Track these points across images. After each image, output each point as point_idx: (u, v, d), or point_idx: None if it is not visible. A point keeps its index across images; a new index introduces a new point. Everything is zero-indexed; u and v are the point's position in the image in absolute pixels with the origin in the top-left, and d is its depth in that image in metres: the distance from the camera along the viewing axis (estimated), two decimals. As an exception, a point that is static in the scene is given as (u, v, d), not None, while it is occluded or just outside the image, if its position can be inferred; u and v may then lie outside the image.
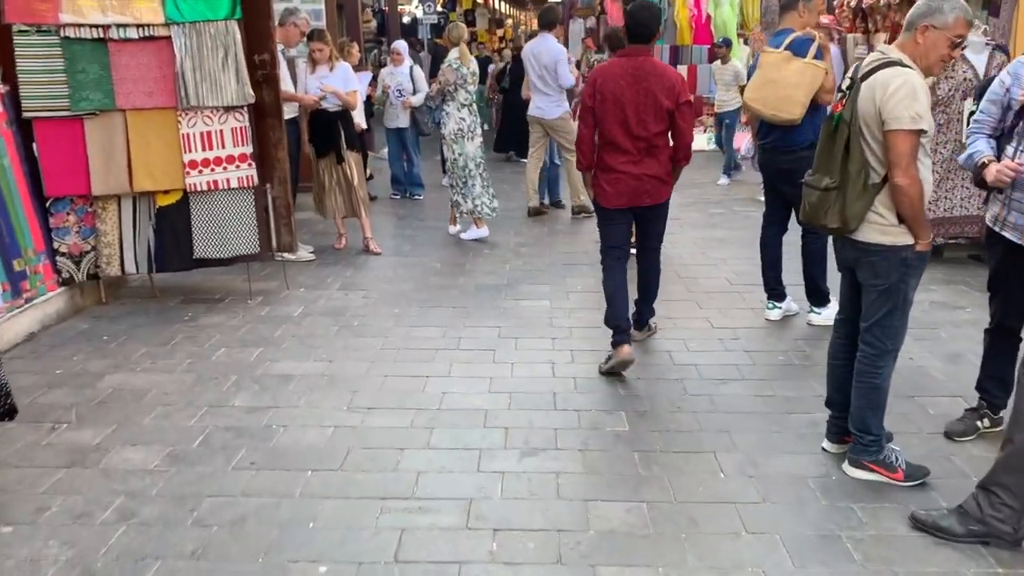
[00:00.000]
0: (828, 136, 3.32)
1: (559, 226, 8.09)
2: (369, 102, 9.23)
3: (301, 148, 6.86)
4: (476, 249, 7.16)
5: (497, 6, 34.97)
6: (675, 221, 7.88)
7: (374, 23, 19.67)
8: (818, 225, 3.37)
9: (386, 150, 10.08)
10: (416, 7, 21.83)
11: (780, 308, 5.26)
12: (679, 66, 13.56)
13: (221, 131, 5.38)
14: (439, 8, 22.23)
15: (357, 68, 8.91)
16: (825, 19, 8.44)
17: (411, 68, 9.12)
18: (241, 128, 5.42)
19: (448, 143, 7.36)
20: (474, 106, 7.38)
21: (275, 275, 6.17)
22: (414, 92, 9.03)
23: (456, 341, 4.93)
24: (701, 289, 5.92)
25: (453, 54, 7.36)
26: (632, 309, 4.73)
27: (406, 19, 21.76)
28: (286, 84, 6.55)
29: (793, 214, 4.94)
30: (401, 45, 9.04)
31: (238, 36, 5.30)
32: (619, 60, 4.40)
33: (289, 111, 6.67)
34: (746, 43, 14.32)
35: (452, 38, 7.35)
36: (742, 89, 10.47)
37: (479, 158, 7.39)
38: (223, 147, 5.40)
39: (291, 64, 7.05)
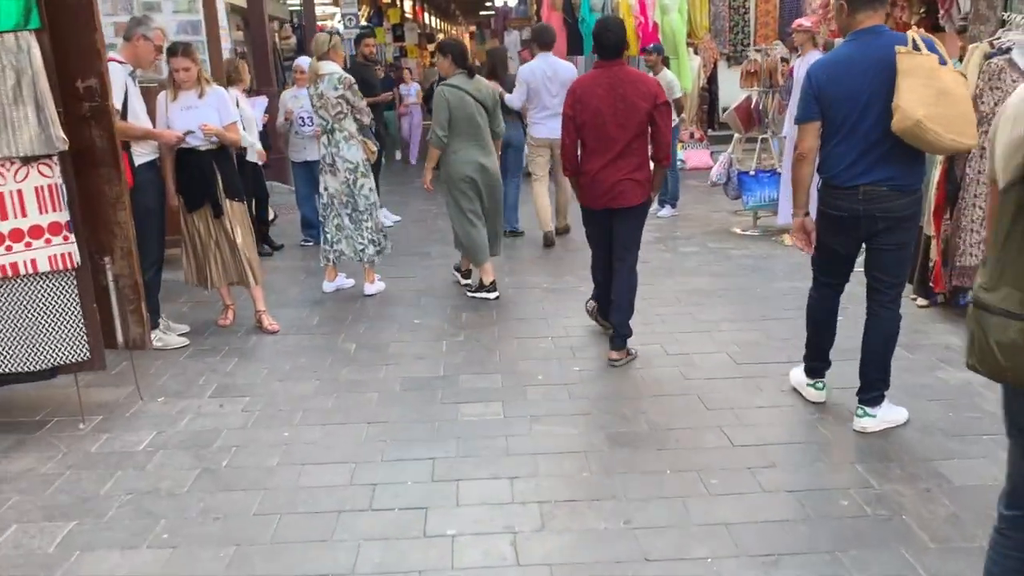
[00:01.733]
0: (1012, 215, 1.85)
1: (505, 283, 6.52)
2: (264, 133, 7.57)
3: (166, 200, 5.16)
4: (402, 319, 5.55)
5: (428, 21, 33.38)
6: (643, 265, 6.42)
7: (294, 39, 17.93)
8: (1015, 380, 1.88)
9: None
10: (338, 22, 20.13)
11: (825, 385, 3.99)
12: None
13: (19, 192, 3.68)
14: (364, 22, 20.57)
15: (253, 92, 7.29)
16: (808, 21, 7.11)
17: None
18: (50, 187, 3.73)
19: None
20: (336, 135, 5.84)
21: (128, 375, 4.47)
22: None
23: (369, 493, 3.31)
24: (700, 375, 4.42)
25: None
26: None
27: (328, 35, 20.01)
28: (137, 117, 4.86)
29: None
30: (304, 62, 7.36)
31: (37, 55, 3.61)
32: (596, 72, 4.56)
33: (146, 151, 4.98)
34: (696, 52, 13.07)
35: (312, 51, 5.96)
36: (677, 103, 8.90)
37: (346, 196, 5.94)
38: (23, 215, 3.69)
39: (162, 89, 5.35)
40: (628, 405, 4.06)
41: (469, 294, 6.01)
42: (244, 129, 6.77)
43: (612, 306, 4.67)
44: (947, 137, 3.27)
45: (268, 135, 7.89)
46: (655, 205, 8.94)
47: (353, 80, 5.84)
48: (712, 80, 13.46)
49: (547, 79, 7.21)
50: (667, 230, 8.15)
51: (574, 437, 3.74)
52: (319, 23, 18.80)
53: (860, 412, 3.72)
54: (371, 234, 5.99)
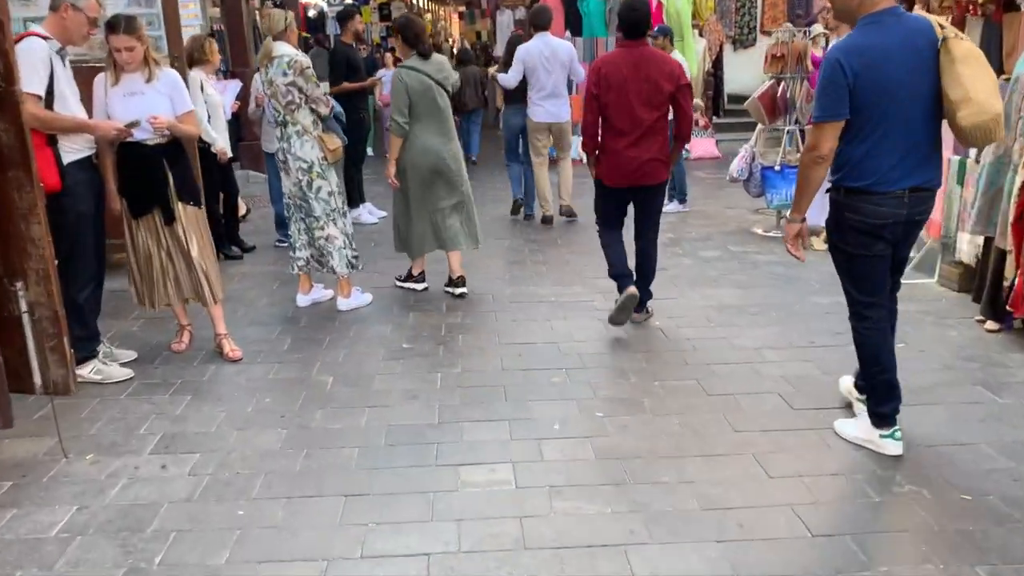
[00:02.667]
0: None
1: (507, 295, 5.68)
2: (237, 120, 6.65)
3: (104, 202, 4.26)
4: (389, 342, 4.69)
5: (415, 0, 32.15)
6: (663, 273, 5.65)
7: (277, 18, 16.84)
8: None
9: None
10: (322, -1, 19.06)
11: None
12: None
13: None
14: (348, 0, 19.47)
15: (231, 74, 6.36)
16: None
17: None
18: (-71, 197, 2.84)
19: None
20: (288, 129, 4.96)
21: (51, 421, 3.58)
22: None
23: (345, 612, 2.48)
24: (752, 425, 3.59)
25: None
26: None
27: (312, 12, 18.91)
28: (66, 104, 3.95)
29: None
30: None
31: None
32: (620, 51, 4.51)
33: (78, 147, 4.06)
34: (701, 35, 12.19)
35: (265, 29, 5.06)
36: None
37: (299, 199, 5.08)
38: None
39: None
40: (669, 468, 3.23)
41: (397, 283, 5.63)
42: (210, 118, 5.91)
43: (639, 278, 4.73)
44: (999, 133, 2.93)
45: (241, 122, 6.97)
46: (669, 201, 8.17)
47: (307, 64, 4.93)
48: (717, 64, 12.58)
49: (545, 59, 7.05)
50: (680, 229, 7.32)
51: (608, 520, 2.90)
52: (302, 0, 17.73)
53: (900, 436, 3.30)
54: (326, 243, 5.11)
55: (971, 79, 2.85)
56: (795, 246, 3.30)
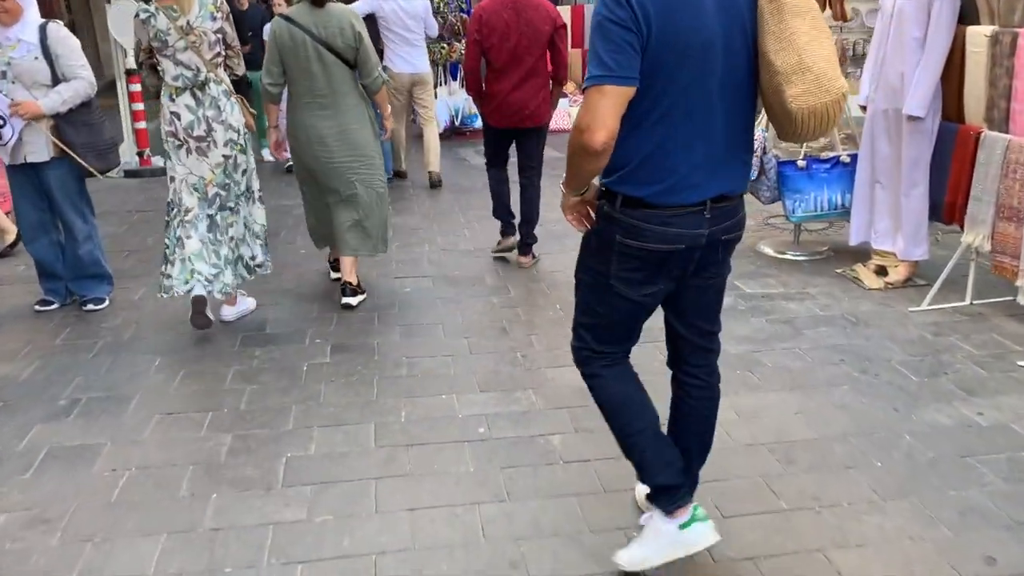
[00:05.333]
0: None
1: (400, 416, 3.22)
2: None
3: None
4: (167, 562, 2.21)
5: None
6: (657, 359, 3.30)
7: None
8: None
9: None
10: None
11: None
12: (561, 6, 8.67)
13: None
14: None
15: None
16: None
17: (43, 29, 3.87)
18: None
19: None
20: (212, 89, 3.73)
21: None
22: (55, 81, 3.87)
23: None
24: None
25: None
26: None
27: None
28: None
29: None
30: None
31: None
32: None
33: None
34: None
35: None
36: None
37: (216, 188, 3.79)
38: None
39: None
40: None
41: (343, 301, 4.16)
42: None
43: (523, 220, 4.68)
44: (839, 120, 1.97)
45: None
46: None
47: (229, 8, 3.86)
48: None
49: (402, 9, 6.43)
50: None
51: None
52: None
53: (704, 514, 2.18)
54: (234, 247, 3.89)
55: (808, 40, 1.81)
56: (578, 219, 2.08)
